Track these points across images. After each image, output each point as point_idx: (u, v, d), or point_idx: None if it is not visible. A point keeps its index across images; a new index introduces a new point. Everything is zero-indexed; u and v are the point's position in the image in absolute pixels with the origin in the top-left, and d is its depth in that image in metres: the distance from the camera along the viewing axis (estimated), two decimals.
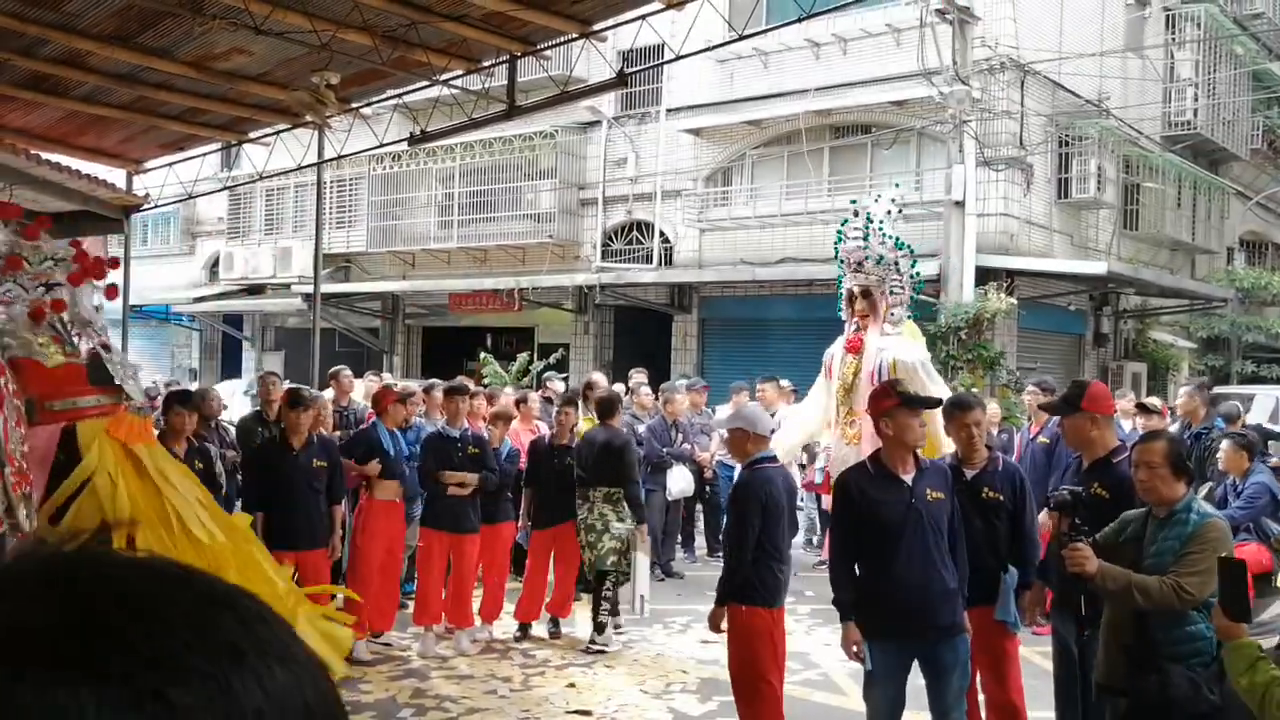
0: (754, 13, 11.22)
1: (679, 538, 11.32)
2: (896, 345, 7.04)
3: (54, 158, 10.20)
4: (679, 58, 8.74)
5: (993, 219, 16.18)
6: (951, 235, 15.19)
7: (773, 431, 5.81)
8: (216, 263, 25.84)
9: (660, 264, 19.35)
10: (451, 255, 21.65)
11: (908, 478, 4.83)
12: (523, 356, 18.43)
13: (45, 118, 10.78)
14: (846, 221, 7.39)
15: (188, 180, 12.79)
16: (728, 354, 18.44)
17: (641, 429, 10.66)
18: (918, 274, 7.37)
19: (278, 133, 11.45)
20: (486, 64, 9.42)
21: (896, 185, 8.65)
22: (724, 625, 5.43)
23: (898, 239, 7.27)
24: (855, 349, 7.16)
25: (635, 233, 20.06)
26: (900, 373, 6.55)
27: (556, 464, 8.33)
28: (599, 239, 20.05)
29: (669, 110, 19.27)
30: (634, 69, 9.60)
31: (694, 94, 18.94)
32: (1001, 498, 5.22)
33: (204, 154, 12.65)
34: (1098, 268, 16.37)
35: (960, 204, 15.08)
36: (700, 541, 11.85)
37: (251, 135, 11.72)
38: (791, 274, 17.41)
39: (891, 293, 7.08)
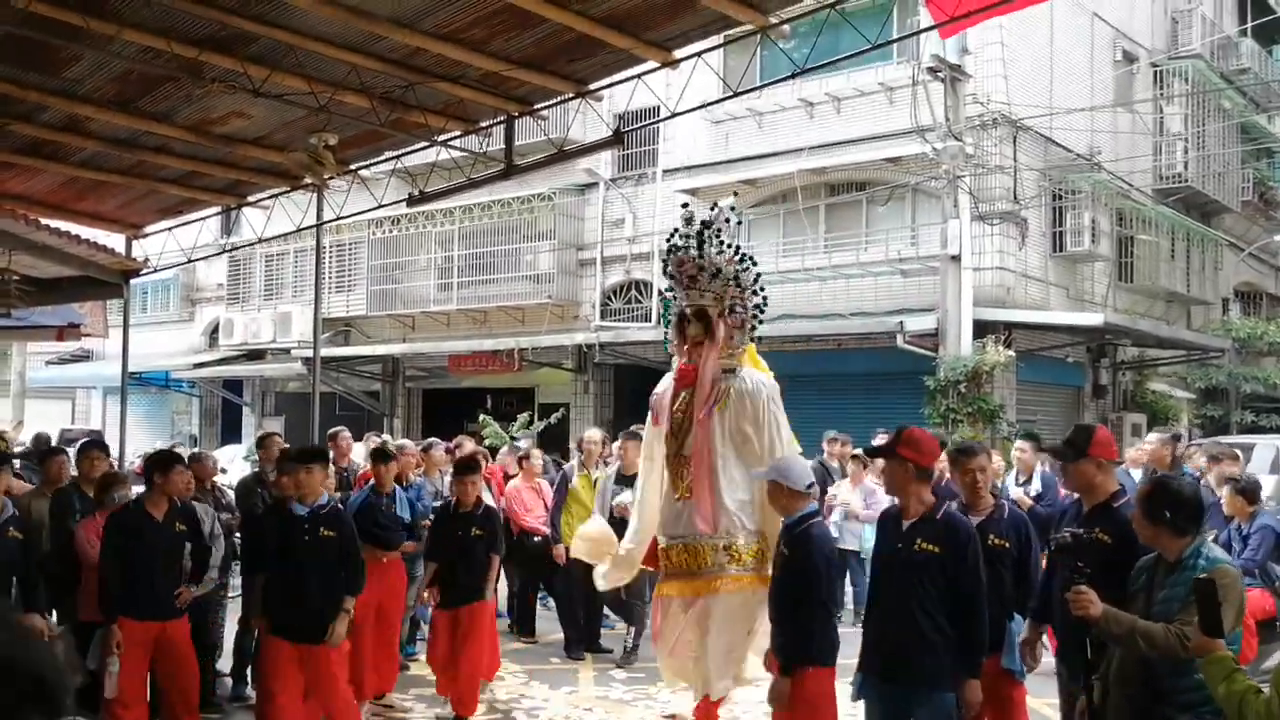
0: (747, 72, 11.34)
1: None
2: (741, 375, 5.80)
3: (54, 223, 10.26)
4: (674, 115, 8.82)
5: (989, 273, 16.25)
6: (948, 289, 15.24)
7: (810, 485, 5.36)
8: (216, 329, 25.90)
9: (659, 322, 19.34)
10: (451, 317, 21.71)
11: (906, 524, 4.81)
12: (523, 417, 18.42)
13: (45, 183, 10.85)
14: (677, 231, 6.06)
15: (187, 246, 12.86)
16: None
17: None
18: (762, 290, 6.02)
19: (276, 195, 11.51)
20: (484, 124, 9.51)
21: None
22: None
23: (738, 249, 6.03)
24: (687, 381, 5.79)
25: (634, 292, 20.13)
26: (735, 407, 5.57)
27: (460, 535, 7.37)
28: (598, 299, 20.12)
29: (665, 171, 19.43)
30: (630, 128, 9.69)
31: (689, 155, 19.12)
32: (1007, 544, 5.18)
33: (203, 218, 12.71)
34: (1095, 319, 16.42)
35: (956, 258, 15.15)
36: None
37: (250, 199, 11.79)
38: (789, 330, 17.41)
39: (732, 312, 5.80)
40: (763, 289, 6.06)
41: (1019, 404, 16.31)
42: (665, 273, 6.10)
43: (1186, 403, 20.45)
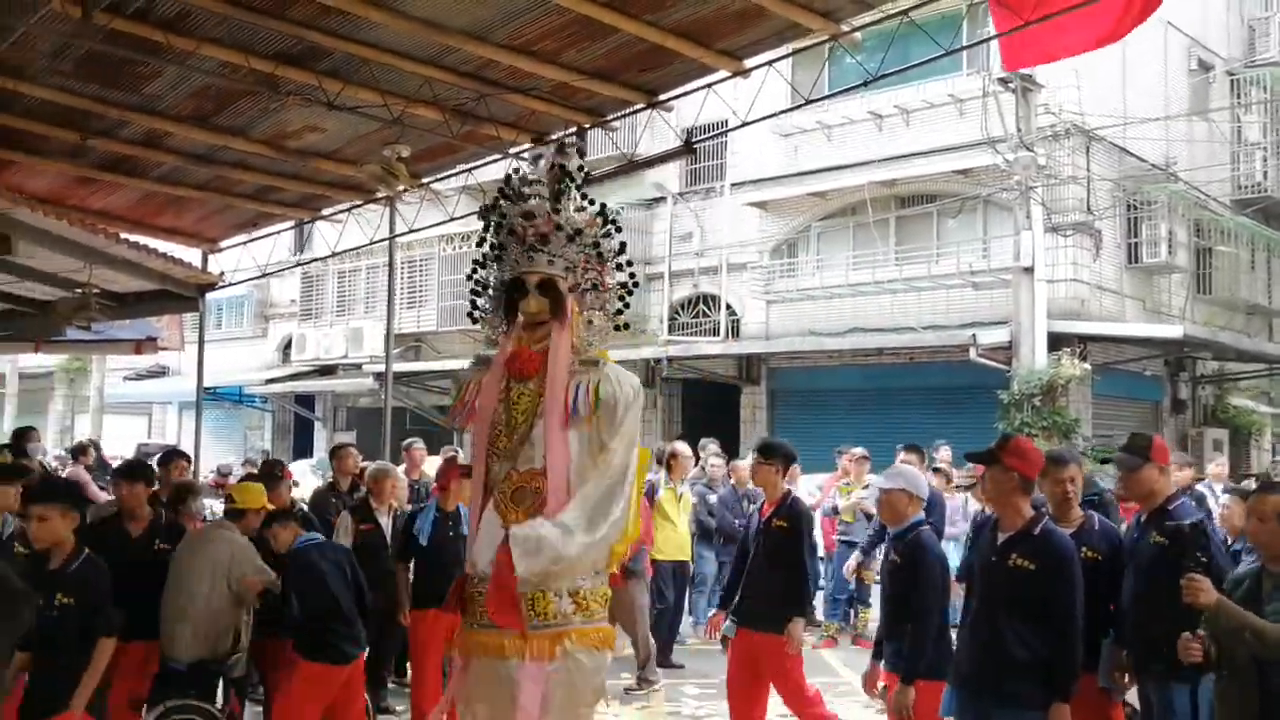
0: (817, 83, 11.27)
1: None
2: (606, 370, 4.32)
3: (133, 238, 10.46)
4: (744, 124, 8.79)
5: (1062, 285, 16.00)
6: (1021, 302, 15.03)
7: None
8: (289, 344, 26.28)
9: (727, 336, 19.33)
10: None
11: (1003, 536, 4.64)
12: None
13: (125, 199, 11.07)
14: (518, 172, 4.47)
15: (261, 262, 13.06)
16: (797, 425, 18.22)
17: (713, 499, 10.61)
18: (629, 264, 4.55)
19: (350, 209, 11.64)
20: (554, 136, 9.53)
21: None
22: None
23: (603, 208, 4.49)
24: (529, 369, 4.28)
25: (702, 306, 20.10)
26: (605, 410, 4.18)
27: (42, 606, 4.44)
28: (666, 313, 20.10)
29: (733, 185, 19.40)
30: (700, 139, 9.66)
31: (758, 168, 19.08)
32: (1100, 557, 4.99)
33: (278, 231, 12.91)
34: (1173, 332, 16.08)
35: (1029, 270, 14.95)
36: None
37: (324, 212, 11.94)
38: (860, 344, 17.30)
39: (592, 290, 4.40)
40: (630, 264, 4.54)
41: (1095, 418, 15.99)
42: (493, 227, 4.39)
43: (1270, 418, 19.92)
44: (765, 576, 6.15)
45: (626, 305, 4.50)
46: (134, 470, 6.40)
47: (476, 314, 4.54)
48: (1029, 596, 4.48)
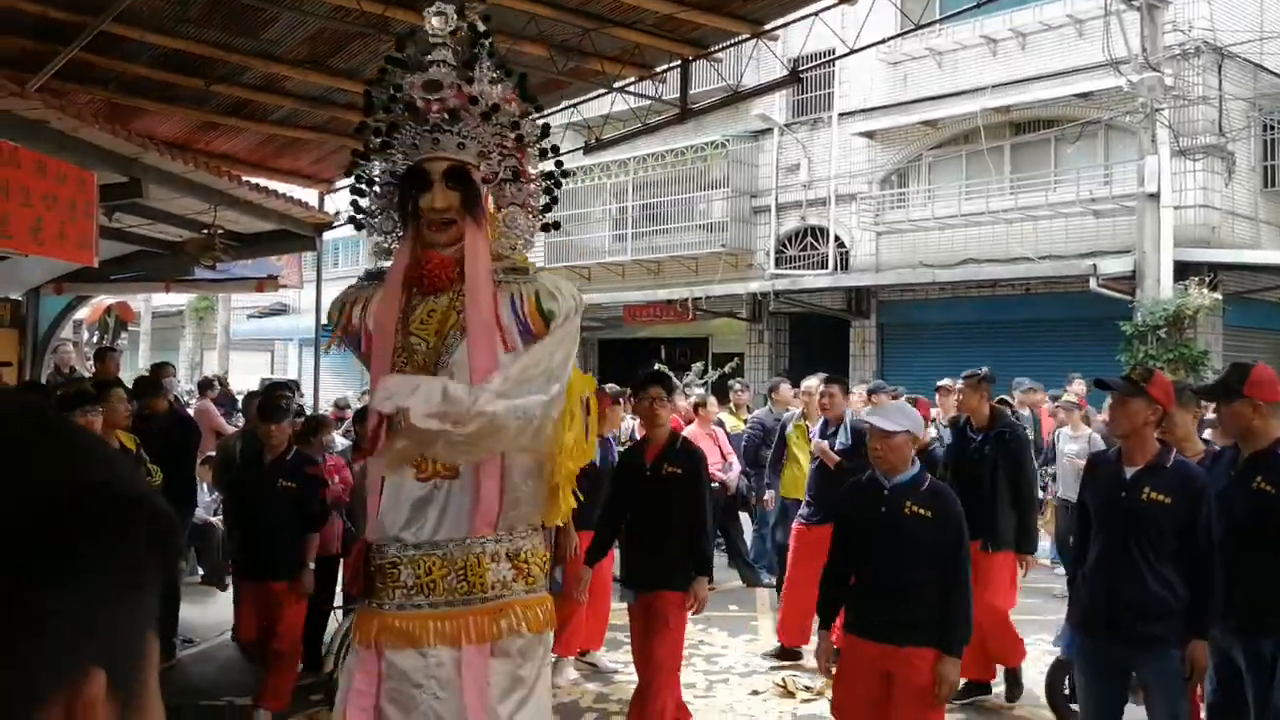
0: (927, 8, 10.94)
1: None
2: (539, 279, 3.50)
3: (254, 180, 10.76)
4: (852, 51, 8.62)
5: (1191, 211, 15.38)
6: (1146, 229, 14.51)
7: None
8: None
9: (836, 269, 19.10)
10: (626, 268, 21.90)
11: (1130, 470, 4.44)
12: (697, 366, 18.45)
13: (246, 142, 11.42)
14: (415, 34, 3.62)
15: None
16: (908, 359, 18.03)
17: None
18: (555, 150, 3.76)
19: None
20: (660, 69, 9.48)
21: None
22: None
23: (522, 78, 3.67)
24: (440, 280, 3.45)
25: (809, 238, 19.87)
26: (555, 320, 3.37)
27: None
28: (772, 246, 19.95)
29: (841, 115, 19.05)
30: (806, 68, 9.51)
31: (867, 97, 18.70)
32: None
33: None
34: None
35: (1154, 196, 14.40)
36: None
37: None
38: (974, 275, 16.95)
39: (514, 178, 3.55)
40: (556, 149, 3.71)
41: (1225, 350, 15.41)
42: (383, 101, 3.55)
43: None
44: (658, 530, 5.53)
45: (554, 200, 3.68)
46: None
47: (360, 219, 3.69)
48: (1166, 532, 4.31)
